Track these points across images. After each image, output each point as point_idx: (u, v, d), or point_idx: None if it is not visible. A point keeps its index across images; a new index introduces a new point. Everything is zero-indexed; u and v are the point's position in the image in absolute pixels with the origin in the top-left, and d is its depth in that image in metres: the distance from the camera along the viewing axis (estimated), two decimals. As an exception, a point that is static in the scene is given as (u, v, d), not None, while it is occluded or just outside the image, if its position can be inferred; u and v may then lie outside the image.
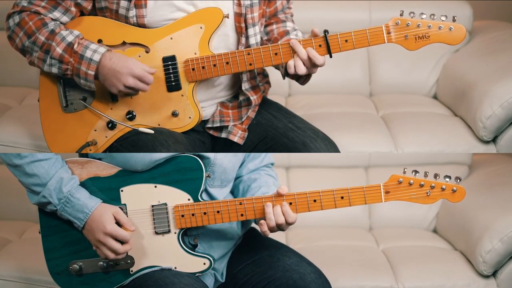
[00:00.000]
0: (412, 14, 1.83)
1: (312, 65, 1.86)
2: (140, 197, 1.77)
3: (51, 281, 1.82)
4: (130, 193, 1.77)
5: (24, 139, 2.34)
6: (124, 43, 1.90)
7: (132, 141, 1.88)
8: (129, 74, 1.83)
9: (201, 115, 1.93)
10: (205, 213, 1.76)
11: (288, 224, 1.74)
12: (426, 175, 1.71)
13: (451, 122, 2.53)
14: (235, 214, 1.76)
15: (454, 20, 1.83)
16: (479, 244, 2.21)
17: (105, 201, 1.76)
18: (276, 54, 1.87)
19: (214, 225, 1.79)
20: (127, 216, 1.77)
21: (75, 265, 1.78)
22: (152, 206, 1.77)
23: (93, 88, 1.87)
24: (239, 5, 1.91)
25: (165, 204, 1.77)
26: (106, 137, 1.93)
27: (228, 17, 1.90)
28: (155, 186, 1.77)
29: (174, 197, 1.77)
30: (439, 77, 2.80)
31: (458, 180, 1.70)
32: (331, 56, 1.87)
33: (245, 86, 1.98)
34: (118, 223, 1.74)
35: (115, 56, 1.84)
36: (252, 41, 1.95)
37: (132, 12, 1.86)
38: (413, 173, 1.71)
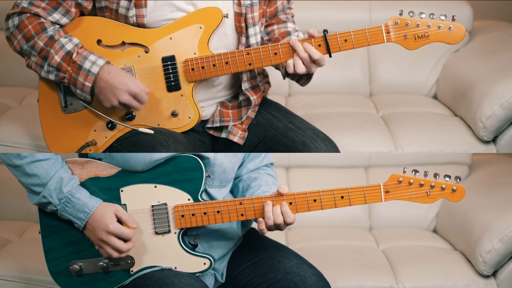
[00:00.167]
0: (411, 14, 1.83)
1: (311, 62, 1.85)
2: (140, 197, 1.77)
3: (51, 281, 1.82)
4: (130, 193, 1.77)
5: (24, 139, 2.34)
6: (123, 43, 1.90)
7: (132, 141, 1.87)
8: (125, 91, 1.83)
9: (201, 115, 1.93)
10: (205, 213, 1.76)
11: (287, 224, 1.74)
12: (426, 174, 1.71)
13: (451, 122, 2.53)
14: (235, 214, 1.76)
15: (453, 20, 1.83)
16: (479, 244, 2.21)
17: (105, 201, 1.76)
18: (275, 54, 1.87)
19: (214, 225, 1.79)
20: (127, 215, 1.77)
21: (75, 265, 1.78)
22: (152, 206, 1.77)
23: (88, 99, 1.87)
24: (239, 4, 1.91)
25: (165, 204, 1.77)
26: (106, 137, 1.93)
27: (227, 17, 1.90)
28: (155, 186, 1.77)
29: (174, 197, 1.77)
30: (439, 77, 2.80)
31: (458, 180, 1.70)
32: (330, 56, 1.87)
33: (245, 86, 1.98)
34: (119, 221, 1.74)
35: (114, 70, 1.84)
36: (252, 40, 1.95)
37: (132, 12, 1.86)
38: (413, 172, 1.71)
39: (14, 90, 2.75)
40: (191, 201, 1.77)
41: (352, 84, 2.84)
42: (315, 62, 1.85)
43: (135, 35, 1.89)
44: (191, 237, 1.82)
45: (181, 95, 1.91)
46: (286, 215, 1.73)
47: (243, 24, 1.93)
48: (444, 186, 1.70)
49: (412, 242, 2.50)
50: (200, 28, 1.88)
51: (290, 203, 1.74)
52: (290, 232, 2.59)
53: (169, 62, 1.89)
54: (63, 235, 1.79)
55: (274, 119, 2.02)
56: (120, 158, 1.77)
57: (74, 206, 1.73)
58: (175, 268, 1.78)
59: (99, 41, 1.90)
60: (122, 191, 1.77)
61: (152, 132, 1.86)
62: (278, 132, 1.98)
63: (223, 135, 2.00)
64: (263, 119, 2.02)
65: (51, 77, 1.87)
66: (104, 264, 1.77)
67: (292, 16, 2.11)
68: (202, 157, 1.78)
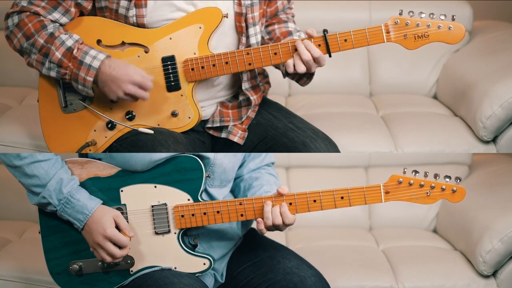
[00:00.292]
0: (411, 14, 1.83)
1: (311, 61, 1.85)
2: (140, 197, 1.77)
3: (51, 281, 1.81)
4: (130, 193, 1.77)
5: (24, 139, 2.34)
6: (123, 43, 1.90)
7: (132, 141, 1.87)
8: (129, 82, 1.83)
9: (201, 115, 1.93)
10: (205, 213, 1.76)
11: (286, 225, 1.74)
12: (426, 175, 1.71)
13: (451, 122, 2.53)
14: (235, 214, 1.76)
15: (453, 19, 1.83)
16: (479, 244, 2.21)
17: (105, 201, 1.76)
18: (275, 54, 1.87)
19: (214, 225, 1.79)
20: (127, 217, 1.77)
21: (75, 265, 1.78)
22: (152, 206, 1.77)
23: (90, 94, 1.87)
24: (240, 4, 1.91)
25: (165, 204, 1.77)
26: (106, 137, 1.93)
27: (227, 17, 1.90)
28: (155, 186, 1.77)
29: (174, 197, 1.77)
30: (439, 77, 2.80)
31: (458, 180, 1.70)
32: (330, 56, 1.87)
33: (245, 85, 1.98)
34: (117, 227, 1.74)
35: (115, 63, 1.84)
36: (252, 40, 1.95)
37: (132, 12, 1.86)
38: (413, 173, 1.71)
39: (14, 90, 2.75)
40: (191, 201, 1.77)
41: (352, 84, 2.84)
42: (315, 61, 1.85)
43: (135, 35, 1.89)
44: (191, 237, 1.82)
45: (181, 95, 1.91)
46: (284, 216, 1.72)
47: (243, 24, 1.93)
48: (444, 186, 1.70)
49: (412, 242, 2.50)
50: (200, 28, 1.88)
51: (290, 204, 1.74)
52: (290, 232, 2.59)
53: (169, 62, 1.89)
54: (63, 235, 1.79)
55: (274, 119, 2.02)
56: (120, 158, 1.77)
57: (73, 207, 1.73)
58: (175, 268, 1.78)
59: (99, 41, 1.90)
60: (122, 191, 1.77)
61: (152, 132, 1.86)
62: (278, 132, 1.98)
63: (223, 135, 2.00)
64: (263, 119, 2.02)
65: (52, 74, 1.87)
66: (104, 264, 1.77)
67: (293, 16, 2.11)
68: (202, 157, 1.78)
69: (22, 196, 1.83)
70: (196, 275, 1.79)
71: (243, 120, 2.00)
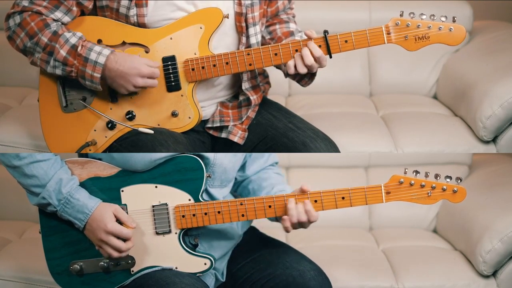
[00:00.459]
0: (412, 15, 1.83)
1: (312, 60, 1.85)
2: (140, 197, 1.77)
3: (51, 281, 1.82)
4: (130, 193, 1.77)
5: (24, 139, 2.34)
6: (123, 43, 1.90)
7: (132, 141, 1.87)
8: (137, 75, 1.84)
9: (201, 115, 1.93)
10: (206, 214, 1.76)
11: (310, 222, 1.74)
12: (427, 175, 1.71)
13: (451, 122, 2.53)
14: (236, 214, 1.76)
15: (454, 21, 1.83)
16: (479, 244, 2.21)
17: (105, 201, 1.76)
18: (276, 54, 1.87)
19: (215, 225, 1.79)
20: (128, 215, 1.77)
21: (76, 265, 1.78)
22: (153, 206, 1.77)
23: (99, 89, 1.87)
24: (240, 4, 1.91)
25: (166, 204, 1.77)
26: (106, 137, 1.93)
27: (228, 17, 1.90)
28: (156, 186, 1.77)
29: (175, 197, 1.77)
30: (439, 77, 2.80)
31: (459, 181, 1.70)
32: (331, 57, 1.87)
33: (245, 85, 1.98)
34: (118, 221, 1.74)
35: (120, 57, 1.84)
36: (252, 40, 1.95)
37: (133, 11, 1.86)
38: (414, 173, 1.71)
39: (14, 90, 2.74)
40: (192, 201, 1.77)
41: (352, 84, 2.84)
42: (317, 61, 1.85)
43: (135, 35, 1.89)
44: (192, 237, 1.82)
45: (181, 95, 1.91)
46: (310, 214, 1.73)
47: (243, 24, 1.93)
48: (445, 187, 1.70)
49: (412, 242, 2.50)
50: (201, 28, 1.88)
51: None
52: (290, 232, 2.59)
53: (169, 62, 1.89)
54: (63, 235, 1.79)
55: (274, 119, 2.02)
56: (120, 158, 1.77)
57: (73, 207, 1.73)
58: (176, 268, 1.78)
59: (99, 41, 1.90)
60: (122, 191, 1.77)
61: (152, 132, 1.86)
62: (278, 132, 1.98)
63: (223, 135, 2.00)
64: (263, 119, 2.02)
65: (58, 71, 1.87)
66: (105, 264, 1.77)
67: (294, 17, 2.11)
68: (202, 157, 1.78)
69: (22, 196, 1.83)
70: (197, 275, 1.79)
71: (243, 120, 2.00)
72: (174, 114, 1.92)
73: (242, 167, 1.94)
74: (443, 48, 2.76)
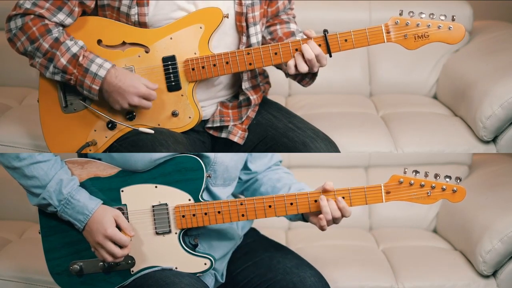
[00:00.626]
0: (411, 14, 1.83)
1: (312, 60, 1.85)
2: (140, 197, 1.77)
3: (51, 281, 1.81)
4: (130, 194, 1.77)
5: (24, 139, 2.34)
6: (124, 43, 1.90)
7: (132, 141, 1.87)
8: (134, 94, 1.84)
9: (201, 115, 1.93)
10: (206, 214, 1.76)
11: (344, 217, 1.75)
12: (426, 175, 1.71)
13: (451, 122, 2.53)
14: (236, 214, 1.75)
15: (453, 20, 1.83)
16: (479, 244, 2.21)
17: (105, 201, 1.76)
18: (276, 54, 1.87)
19: (215, 225, 1.79)
20: (128, 217, 1.77)
21: (76, 266, 1.78)
22: (153, 206, 1.77)
23: (96, 99, 1.88)
24: (240, 4, 1.91)
25: (166, 204, 1.77)
26: (106, 137, 1.93)
27: (227, 17, 1.90)
28: (156, 186, 1.77)
29: (175, 197, 1.77)
30: (439, 77, 2.80)
31: (459, 180, 1.70)
32: (330, 56, 1.87)
33: (245, 85, 1.98)
34: (118, 227, 1.74)
35: (121, 73, 1.84)
36: (253, 40, 1.95)
37: (134, 10, 1.86)
38: (414, 173, 1.71)
39: (14, 90, 2.74)
40: (192, 201, 1.76)
41: (352, 84, 2.84)
42: (317, 58, 1.85)
43: (135, 35, 1.89)
44: (192, 237, 1.82)
45: (182, 95, 1.91)
46: (344, 210, 1.73)
47: (243, 24, 1.93)
48: (444, 187, 1.70)
49: (412, 242, 2.50)
50: (201, 28, 1.88)
51: (291, 204, 1.74)
52: (290, 232, 2.59)
53: (169, 62, 1.89)
54: (63, 235, 1.79)
55: (274, 119, 2.02)
56: (120, 157, 1.77)
57: (73, 207, 1.73)
58: (176, 268, 1.78)
59: (99, 41, 1.90)
60: (122, 191, 1.77)
61: (152, 132, 1.86)
62: (278, 132, 1.98)
63: (223, 135, 2.00)
64: (263, 119, 2.02)
65: (57, 78, 1.87)
66: (105, 265, 1.77)
67: (294, 17, 2.11)
68: (202, 157, 1.78)
69: (22, 196, 1.83)
70: (197, 275, 1.79)
71: (243, 120, 2.00)
72: (174, 114, 1.92)
73: (245, 165, 1.93)
74: (443, 48, 2.77)
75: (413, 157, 2.62)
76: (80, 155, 1.91)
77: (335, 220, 1.75)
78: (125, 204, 1.77)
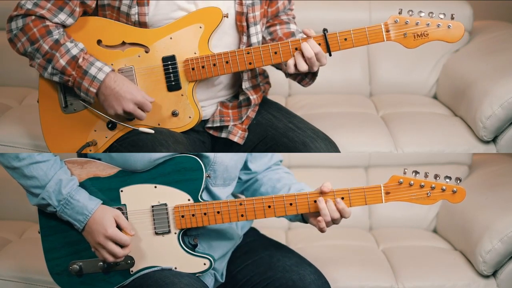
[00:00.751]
0: (410, 13, 1.83)
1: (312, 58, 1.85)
2: (140, 197, 1.77)
3: (51, 281, 1.81)
4: (130, 194, 1.77)
5: (24, 139, 2.34)
6: (123, 43, 1.90)
7: (132, 141, 1.87)
8: (130, 100, 1.83)
9: (201, 114, 1.93)
10: (205, 214, 1.76)
11: (343, 217, 1.74)
12: (426, 175, 1.71)
13: (451, 122, 2.53)
14: (236, 214, 1.75)
15: (452, 18, 1.83)
16: (479, 244, 2.21)
17: (105, 201, 1.76)
18: (275, 53, 1.87)
19: (214, 225, 1.79)
20: (128, 217, 1.77)
21: (75, 265, 1.78)
22: (152, 206, 1.77)
23: (92, 102, 1.87)
24: (241, 4, 1.91)
25: (165, 204, 1.77)
26: (106, 137, 1.93)
27: (227, 17, 1.90)
28: (155, 187, 1.77)
29: (174, 197, 1.77)
30: (439, 77, 2.80)
31: (459, 181, 1.70)
32: (330, 55, 1.87)
33: (245, 85, 1.98)
34: (118, 227, 1.74)
35: (119, 78, 1.84)
36: (253, 39, 1.95)
37: (134, 10, 1.86)
38: (414, 173, 1.71)
39: (14, 90, 2.74)
40: (191, 201, 1.76)
41: (352, 84, 2.84)
42: (317, 57, 1.85)
43: (135, 35, 1.89)
44: (191, 237, 1.82)
45: (182, 95, 1.91)
46: (343, 212, 1.73)
47: (244, 23, 1.93)
48: (444, 187, 1.70)
49: (412, 242, 2.50)
50: (200, 27, 1.88)
51: (291, 204, 1.74)
52: (290, 232, 2.59)
53: (169, 62, 1.89)
54: (63, 235, 1.79)
55: (274, 119, 2.02)
56: (119, 157, 1.77)
57: (73, 208, 1.73)
58: (175, 268, 1.78)
59: (99, 41, 1.90)
60: (122, 191, 1.77)
61: (152, 131, 1.86)
62: (278, 132, 1.98)
63: (223, 135, 2.00)
64: (263, 119, 2.02)
65: (55, 78, 1.87)
66: (104, 265, 1.77)
67: (294, 18, 2.11)
68: (202, 156, 1.78)
69: (22, 196, 1.83)
70: (197, 275, 1.79)
71: (243, 120, 2.00)
72: (174, 114, 1.92)
73: (245, 165, 1.93)
74: (443, 48, 2.77)
75: (413, 157, 2.62)
76: (80, 155, 1.91)
77: (334, 221, 1.74)
78: (125, 204, 1.77)
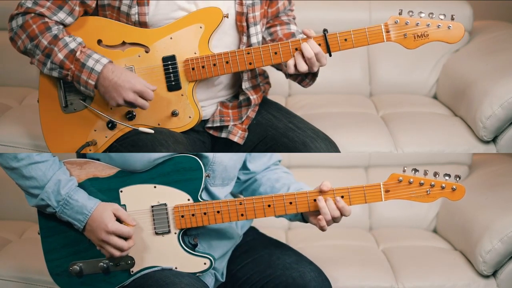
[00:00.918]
0: (410, 13, 1.83)
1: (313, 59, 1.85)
2: (139, 197, 1.77)
3: (51, 281, 1.81)
4: (129, 194, 1.77)
5: (24, 139, 2.34)
6: (123, 43, 1.90)
7: (132, 141, 1.87)
8: (130, 89, 1.83)
9: (201, 114, 1.93)
10: (205, 213, 1.76)
11: (343, 216, 1.74)
12: (425, 173, 1.71)
13: (451, 122, 2.53)
14: (235, 214, 1.75)
15: (452, 19, 1.83)
16: (479, 244, 2.21)
17: (104, 202, 1.75)
18: (275, 53, 1.87)
19: (214, 224, 1.79)
20: (126, 214, 1.77)
21: (75, 266, 1.78)
22: (152, 206, 1.77)
23: (92, 95, 1.88)
24: (241, 4, 1.91)
25: (165, 204, 1.77)
26: (106, 137, 1.93)
27: (227, 17, 1.90)
28: (155, 187, 1.77)
29: (174, 197, 1.77)
30: (439, 77, 2.80)
31: (458, 178, 1.70)
32: (330, 55, 1.87)
33: (245, 85, 1.99)
34: (118, 220, 1.74)
35: (117, 69, 1.84)
36: (253, 40, 1.95)
37: (135, 10, 1.86)
38: (413, 171, 1.71)
39: (14, 90, 2.75)
40: (191, 201, 1.76)
41: (352, 84, 2.84)
42: (316, 57, 1.85)
43: (135, 35, 1.89)
44: (191, 237, 1.82)
45: (182, 95, 1.91)
46: (344, 210, 1.73)
47: (244, 24, 1.93)
48: (444, 185, 1.70)
49: (412, 242, 2.50)
50: (201, 27, 1.88)
51: (290, 203, 1.74)
52: (290, 232, 2.59)
53: (169, 62, 1.89)
54: (62, 236, 1.78)
55: (274, 119, 2.02)
56: (118, 158, 1.77)
57: (72, 208, 1.73)
58: (176, 268, 1.78)
59: (99, 41, 1.90)
60: (121, 191, 1.77)
61: (152, 131, 1.86)
62: (278, 132, 1.98)
63: (223, 135, 2.00)
64: (263, 119, 2.02)
65: (55, 74, 1.87)
66: (104, 265, 1.77)
67: (294, 18, 2.11)
68: (201, 156, 1.78)
69: (22, 196, 1.83)
70: (197, 274, 1.79)
71: (243, 120, 2.00)
72: (174, 114, 1.92)
73: (243, 165, 1.93)
74: (443, 48, 2.77)
75: (413, 157, 2.62)
76: (80, 155, 1.91)
77: (334, 220, 1.74)
78: (124, 205, 1.77)
